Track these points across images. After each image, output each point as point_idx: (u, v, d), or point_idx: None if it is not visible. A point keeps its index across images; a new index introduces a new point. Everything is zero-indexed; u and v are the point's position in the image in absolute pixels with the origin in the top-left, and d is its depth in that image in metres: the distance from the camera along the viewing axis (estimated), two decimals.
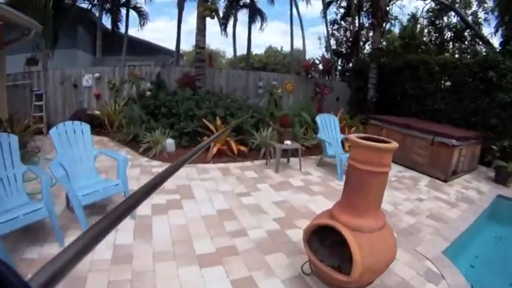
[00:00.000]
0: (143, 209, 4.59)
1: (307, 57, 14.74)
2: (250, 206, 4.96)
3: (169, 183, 5.67)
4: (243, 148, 7.50)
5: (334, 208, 3.02)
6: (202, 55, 9.62)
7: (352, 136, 2.84)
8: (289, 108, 9.64)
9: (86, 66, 12.26)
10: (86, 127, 4.54)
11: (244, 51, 16.59)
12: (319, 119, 7.27)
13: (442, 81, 9.73)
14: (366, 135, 2.96)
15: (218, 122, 7.53)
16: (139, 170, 6.30)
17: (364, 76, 11.63)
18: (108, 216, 0.55)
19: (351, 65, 16.30)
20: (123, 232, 3.92)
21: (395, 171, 7.19)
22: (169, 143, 7.38)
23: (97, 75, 10.19)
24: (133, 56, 14.33)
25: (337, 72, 16.49)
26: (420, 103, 9.84)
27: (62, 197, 4.53)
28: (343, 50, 17.44)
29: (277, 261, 3.47)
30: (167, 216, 4.46)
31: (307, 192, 5.66)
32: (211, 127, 7.50)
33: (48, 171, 3.84)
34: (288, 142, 6.81)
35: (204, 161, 7.02)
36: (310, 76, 12.76)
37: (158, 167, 6.56)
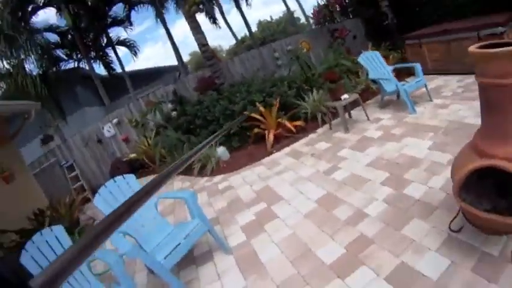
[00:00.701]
0: (234, 237, 3.75)
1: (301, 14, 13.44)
2: (347, 180, 4.07)
3: (245, 193, 4.82)
4: (298, 123, 6.53)
5: (479, 142, 2.16)
6: (209, 52, 8.69)
7: (473, 48, 2.04)
8: (322, 64, 8.50)
9: (101, 119, 11.65)
10: (130, 178, 3.72)
11: (241, 35, 15.59)
12: (362, 59, 6.25)
13: None
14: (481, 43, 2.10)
15: (260, 107, 6.56)
16: (205, 193, 5.44)
17: (372, 2, 10.34)
18: (106, 219, 0.55)
19: None
20: (228, 274, 3.11)
21: (455, 82, 6.21)
22: (221, 150, 6.53)
23: (115, 120, 9.50)
24: (141, 88, 13.68)
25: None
26: (440, 4, 8.42)
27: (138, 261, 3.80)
28: None
29: (417, 231, 2.73)
30: (267, 234, 3.59)
31: (392, 138, 4.74)
32: (257, 116, 6.54)
33: (113, 251, 3.04)
34: (345, 96, 5.81)
35: (266, 154, 6.10)
36: (323, 24, 11.56)
37: (222, 181, 5.69)
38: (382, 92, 6.17)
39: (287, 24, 14.97)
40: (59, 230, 2.99)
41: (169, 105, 8.96)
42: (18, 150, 7.02)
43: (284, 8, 20.54)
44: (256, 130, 6.56)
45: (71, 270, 0.43)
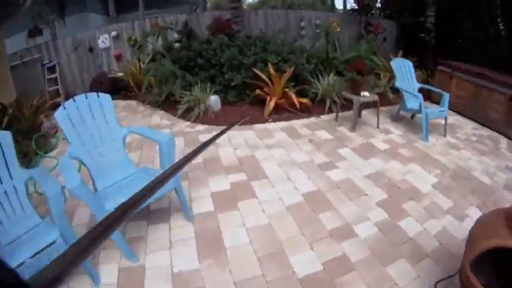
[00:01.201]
0: (201, 203, 3.23)
1: None
2: (342, 183, 3.64)
3: (226, 155, 4.27)
4: (304, 101, 5.90)
5: None
6: None
7: None
8: (349, 51, 7.74)
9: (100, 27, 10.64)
10: (105, 98, 3.03)
11: None
12: (395, 64, 5.70)
13: None
14: None
15: (271, 70, 5.89)
16: (182, 139, 4.82)
17: (417, 12, 9.51)
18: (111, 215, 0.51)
19: None
20: (182, 248, 2.61)
21: (470, 127, 5.86)
22: (214, 99, 5.86)
23: (114, 33, 8.57)
24: (151, 9, 12.54)
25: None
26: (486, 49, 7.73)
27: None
28: None
29: (402, 274, 2.40)
30: (239, 213, 3.09)
31: (397, 158, 4.34)
32: (264, 77, 5.86)
33: (56, 179, 2.41)
34: (365, 93, 5.28)
35: (260, 120, 5.50)
36: (358, 13, 10.73)
37: (205, 132, 5.07)
38: (401, 105, 5.68)
39: (317, 1, 14.00)
40: (5, 137, 2.35)
41: (175, 35, 8.11)
42: (1, 39, 6.13)
43: None
44: (258, 92, 5.91)
45: (71, 271, 0.42)
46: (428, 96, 6.47)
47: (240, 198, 3.30)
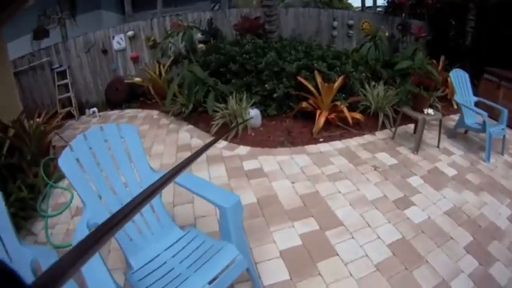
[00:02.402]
0: (270, 268, 2.47)
1: None
2: (425, 226, 3.01)
3: (284, 191, 3.50)
4: (358, 116, 5.06)
5: None
6: None
7: None
8: (402, 59, 6.80)
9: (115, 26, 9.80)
10: (129, 130, 2.23)
11: None
12: (453, 76, 5.01)
13: None
14: None
15: (318, 79, 5.04)
16: (223, 168, 3.97)
17: (455, 15, 8.64)
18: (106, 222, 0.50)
19: None
20: None
21: None
22: (255, 113, 5.01)
23: (130, 33, 7.74)
24: (170, 7, 11.69)
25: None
26: None
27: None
28: None
29: None
30: (322, 280, 2.35)
31: (468, 186, 3.72)
32: (310, 87, 5.01)
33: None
34: (430, 111, 4.50)
35: (310, 140, 4.66)
36: (391, 13, 9.87)
37: (250, 157, 4.19)
38: (459, 121, 4.98)
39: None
40: None
41: (199, 35, 7.28)
42: (4, 41, 5.22)
43: None
44: (304, 105, 5.06)
45: (71, 274, 0.41)
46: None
47: (318, 258, 2.50)
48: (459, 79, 5.01)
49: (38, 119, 4.55)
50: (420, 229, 2.92)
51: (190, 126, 5.31)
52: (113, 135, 2.11)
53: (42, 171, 3.59)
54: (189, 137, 4.92)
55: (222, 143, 4.57)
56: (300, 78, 5.06)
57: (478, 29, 8.27)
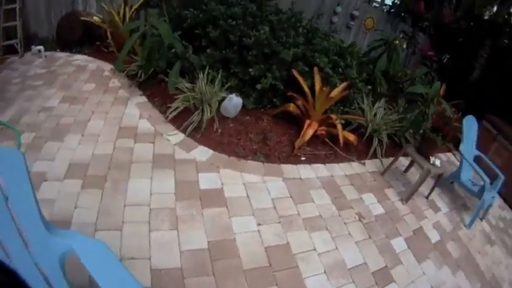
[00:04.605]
0: None
1: None
2: None
3: (248, 235, 2.62)
4: (351, 138, 4.11)
5: None
6: None
7: None
8: (418, 85, 5.74)
9: None
10: (13, 160, 1.34)
11: None
12: (466, 122, 4.29)
13: None
14: None
15: (317, 76, 4.02)
16: (172, 181, 2.89)
17: (471, 41, 7.85)
18: None
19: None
20: None
21: (497, 206, 4.72)
22: (237, 103, 3.90)
23: None
24: None
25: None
26: None
27: None
28: None
29: None
30: None
31: (448, 261, 3.22)
32: (305, 86, 3.98)
33: None
34: (437, 163, 3.76)
35: (290, 156, 3.68)
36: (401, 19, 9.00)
37: (210, 169, 3.15)
38: (454, 174, 4.34)
39: None
40: None
41: None
42: None
43: None
44: (291, 107, 4.04)
45: None
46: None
47: None
48: (470, 128, 4.34)
49: None
50: None
51: (144, 99, 4.10)
52: None
53: None
54: (138, 115, 3.73)
55: (177, 136, 3.47)
56: (294, 72, 3.99)
57: (487, 68, 7.60)
